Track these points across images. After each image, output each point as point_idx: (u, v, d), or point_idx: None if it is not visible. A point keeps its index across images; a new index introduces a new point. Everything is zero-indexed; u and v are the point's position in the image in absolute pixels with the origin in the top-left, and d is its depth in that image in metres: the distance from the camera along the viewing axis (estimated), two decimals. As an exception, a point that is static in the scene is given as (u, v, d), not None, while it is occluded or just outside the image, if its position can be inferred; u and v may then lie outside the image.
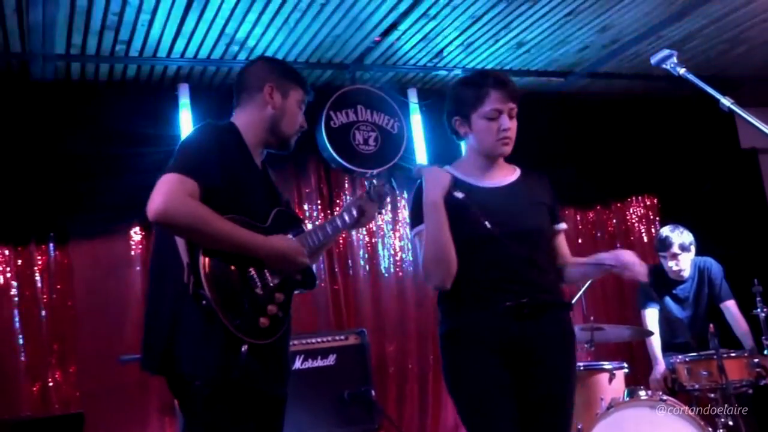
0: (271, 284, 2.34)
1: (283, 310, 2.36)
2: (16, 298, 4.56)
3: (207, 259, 2.21)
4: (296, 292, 2.52)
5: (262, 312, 2.28)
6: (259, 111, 2.51)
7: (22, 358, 4.49)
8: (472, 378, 2.55)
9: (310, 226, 2.82)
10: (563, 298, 2.78)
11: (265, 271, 2.34)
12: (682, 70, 2.16)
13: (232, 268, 2.26)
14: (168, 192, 2.18)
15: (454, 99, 2.72)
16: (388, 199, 2.91)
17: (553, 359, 2.60)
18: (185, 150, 2.32)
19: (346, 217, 2.70)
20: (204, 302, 2.17)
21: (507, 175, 2.76)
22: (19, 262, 4.61)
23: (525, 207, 2.68)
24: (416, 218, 2.66)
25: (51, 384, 4.52)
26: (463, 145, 2.80)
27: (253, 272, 2.31)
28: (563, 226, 2.83)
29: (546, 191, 2.78)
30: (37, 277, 4.62)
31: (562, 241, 2.83)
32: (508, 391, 2.53)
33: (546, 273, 2.66)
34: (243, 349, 2.20)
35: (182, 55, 4.71)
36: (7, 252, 4.60)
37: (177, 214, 2.18)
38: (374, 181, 2.87)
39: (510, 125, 2.63)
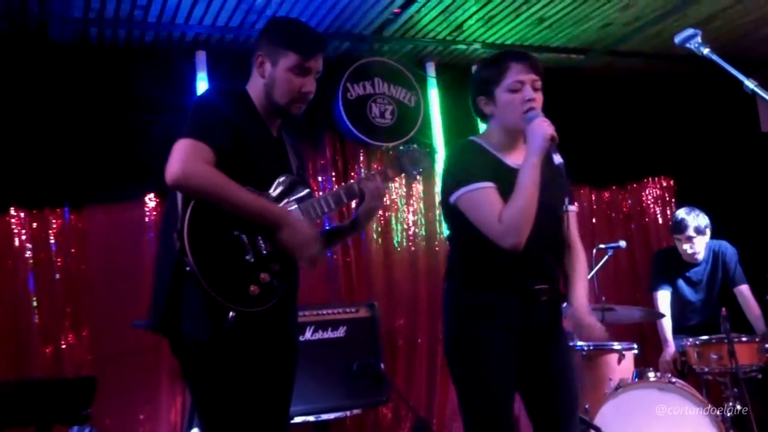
0: (264, 252, 2.33)
1: (279, 278, 2.35)
2: (31, 261, 4.59)
3: (195, 227, 2.23)
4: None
5: (253, 280, 2.29)
6: (256, 81, 2.51)
7: (36, 320, 4.53)
8: (489, 358, 2.55)
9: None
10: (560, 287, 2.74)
11: (259, 238, 2.33)
12: (706, 50, 2.12)
13: (222, 235, 2.27)
14: (185, 158, 2.24)
15: (477, 79, 2.69)
16: (422, 168, 2.81)
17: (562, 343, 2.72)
18: (199, 113, 2.35)
19: (356, 188, 2.60)
20: (188, 268, 2.20)
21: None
22: (34, 225, 4.63)
23: (547, 189, 2.56)
24: (473, 175, 2.55)
25: (64, 346, 4.57)
26: (485, 127, 2.75)
27: (244, 240, 2.31)
28: (573, 207, 2.79)
29: (563, 173, 2.68)
30: (52, 241, 4.64)
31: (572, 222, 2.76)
32: (512, 378, 2.58)
33: (560, 258, 2.71)
34: (230, 315, 2.22)
35: (200, 22, 4.68)
36: (22, 215, 4.62)
37: (193, 180, 2.24)
38: (414, 146, 2.85)
39: (534, 96, 2.56)
